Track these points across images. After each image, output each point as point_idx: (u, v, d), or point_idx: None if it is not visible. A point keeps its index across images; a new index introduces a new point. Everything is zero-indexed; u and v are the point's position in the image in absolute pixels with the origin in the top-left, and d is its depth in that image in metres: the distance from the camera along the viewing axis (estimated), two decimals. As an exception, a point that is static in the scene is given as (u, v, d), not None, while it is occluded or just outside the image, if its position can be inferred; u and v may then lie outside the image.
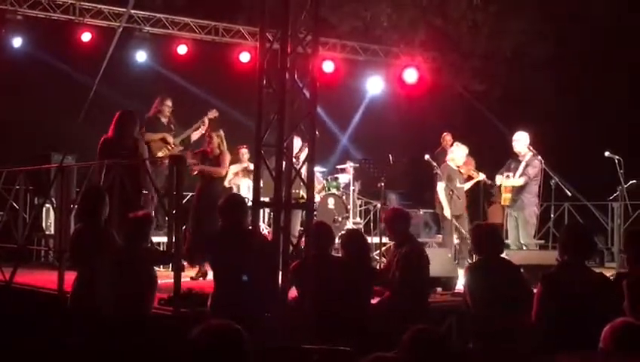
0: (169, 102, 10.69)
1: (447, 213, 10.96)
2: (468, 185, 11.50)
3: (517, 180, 10.34)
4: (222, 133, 9.48)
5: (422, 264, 6.75)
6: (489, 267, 5.99)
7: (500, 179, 10.60)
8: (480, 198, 13.09)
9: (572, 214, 12.84)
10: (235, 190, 11.08)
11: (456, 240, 11.12)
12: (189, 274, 8.62)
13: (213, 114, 10.64)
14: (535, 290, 5.61)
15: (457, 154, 11.26)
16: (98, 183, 7.59)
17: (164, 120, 10.68)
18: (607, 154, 11.01)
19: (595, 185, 12.15)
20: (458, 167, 11.24)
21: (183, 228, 7.98)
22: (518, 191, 10.37)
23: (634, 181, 11.26)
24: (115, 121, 8.61)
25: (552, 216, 12.11)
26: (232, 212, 6.26)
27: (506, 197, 10.50)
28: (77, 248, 6.54)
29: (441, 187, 11.09)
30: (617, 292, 5.04)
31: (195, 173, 9.35)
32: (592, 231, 5.96)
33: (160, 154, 10.29)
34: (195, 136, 10.69)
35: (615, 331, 3.70)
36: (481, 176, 11.38)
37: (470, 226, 11.53)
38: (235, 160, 11.22)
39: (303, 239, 6.13)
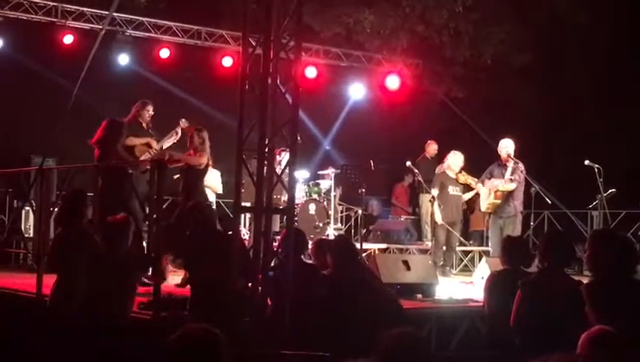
0: (150, 108, 10.59)
1: (438, 218, 10.93)
2: (469, 195, 11.47)
3: (509, 185, 10.37)
4: (205, 134, 9.34)
5: None
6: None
7: (489, 185, 10.54)
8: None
9: (552, 222, 12.91)
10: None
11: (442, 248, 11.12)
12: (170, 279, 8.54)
13: (184, 124, 10.52)
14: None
15: (454, 162, 11.21)
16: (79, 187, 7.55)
17: (144, 125, 10.61)
18: (586, 162, 11.08)
19: (574, 193, 12.22)
20: (456, 175, 11.21)
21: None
22: (506, 198, 10.40)
23: (613, 190, 11.33)
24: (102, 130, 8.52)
25: (531, 223, 12.16)
26: (203, 215, 6.37)
27: (495, 203, 10.48)
28: (57, 251, 6.51)
29: (434, 193, 11.06)
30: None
31: (176, 174, 9.26)
32: (572, 239, 5.97)
33: (143, 158, 10.21)
34: (167, 144, 10.58)
35: (592, 338, 3.74)
36: (480, 188, 10.82)
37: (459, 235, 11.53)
38: None
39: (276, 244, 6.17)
